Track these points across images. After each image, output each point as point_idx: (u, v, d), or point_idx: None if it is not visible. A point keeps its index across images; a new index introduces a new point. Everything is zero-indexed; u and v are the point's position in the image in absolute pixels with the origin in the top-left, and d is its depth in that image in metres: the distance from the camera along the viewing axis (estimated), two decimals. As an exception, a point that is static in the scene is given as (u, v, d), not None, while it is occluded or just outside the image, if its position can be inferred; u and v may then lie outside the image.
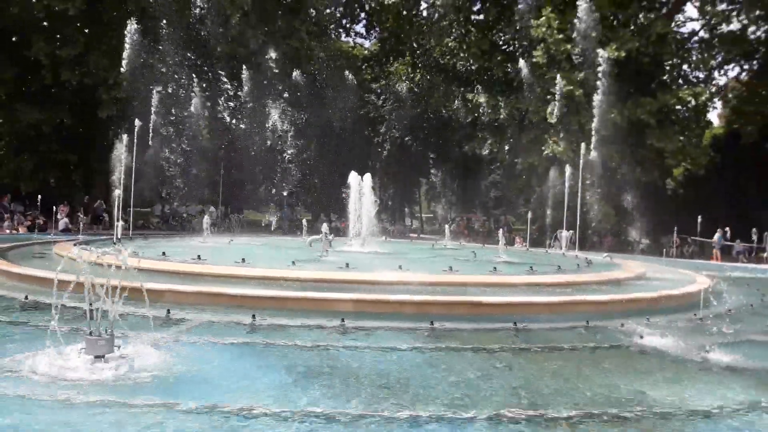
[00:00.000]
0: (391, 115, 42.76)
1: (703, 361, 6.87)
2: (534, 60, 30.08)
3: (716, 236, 29.28)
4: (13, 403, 4.82)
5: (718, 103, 34.86)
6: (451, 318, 8.59)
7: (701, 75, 31.68)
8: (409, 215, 51.81)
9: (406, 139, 42.45)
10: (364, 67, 44.37)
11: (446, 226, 25.25)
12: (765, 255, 28.09)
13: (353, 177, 17.95)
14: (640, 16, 30.86)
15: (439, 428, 4.66)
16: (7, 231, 24.69)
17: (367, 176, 17.82)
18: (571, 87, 28.66)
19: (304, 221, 20.08)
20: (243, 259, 11.85)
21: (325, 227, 14.74)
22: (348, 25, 45.23)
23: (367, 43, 46.72)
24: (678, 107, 29.93)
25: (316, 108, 36.89)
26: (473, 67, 36.41)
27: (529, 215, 28.51)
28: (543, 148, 30.10)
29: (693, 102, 29.27)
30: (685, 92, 28.99)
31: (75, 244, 15.69)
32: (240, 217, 35.95)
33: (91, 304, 5.71)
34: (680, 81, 31.70)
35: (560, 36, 29.25)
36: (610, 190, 30.48)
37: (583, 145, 27.34)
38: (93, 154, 31.21)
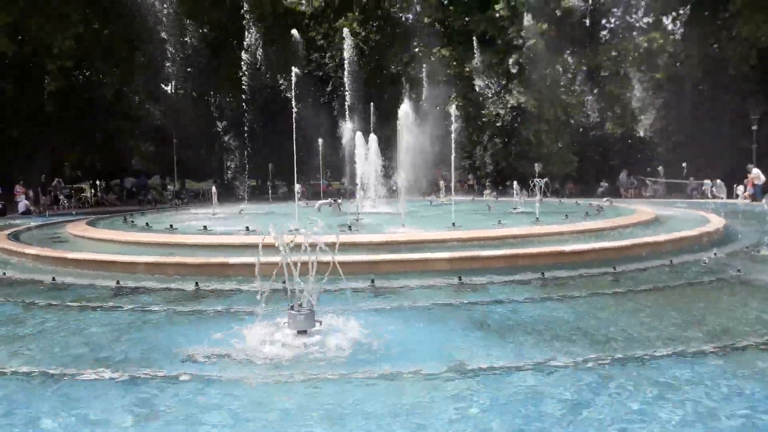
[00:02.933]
0: (336, 73, 42.03)
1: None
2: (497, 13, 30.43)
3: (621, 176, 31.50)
4: (230, 387, 4.72)
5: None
6: (536, 268, 8.96)
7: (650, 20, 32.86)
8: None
9: (347, 96, 42.09)
10: (310, 24, 43.21)
11: (441, 183, 25.69)
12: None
13: (359, 138, 17.82)
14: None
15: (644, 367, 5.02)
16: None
17: (373, 137, 17.72)
18: (533, 40, 29.38)
19: (297, 186, 19.61)
20: (296, 229, 11.67)
21: (359, 192, 14.70)
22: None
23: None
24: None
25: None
26: (428, 20, 36.25)
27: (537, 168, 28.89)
28: (507, 98, 30.81)
29: (646, 46, 30.64)
30: (640, 39, 30.44)
31: (87, 223, 14.95)
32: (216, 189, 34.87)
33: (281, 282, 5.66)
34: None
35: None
36: (571, 138, 31.83)
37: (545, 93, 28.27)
38: (40, 128, 29.04)
